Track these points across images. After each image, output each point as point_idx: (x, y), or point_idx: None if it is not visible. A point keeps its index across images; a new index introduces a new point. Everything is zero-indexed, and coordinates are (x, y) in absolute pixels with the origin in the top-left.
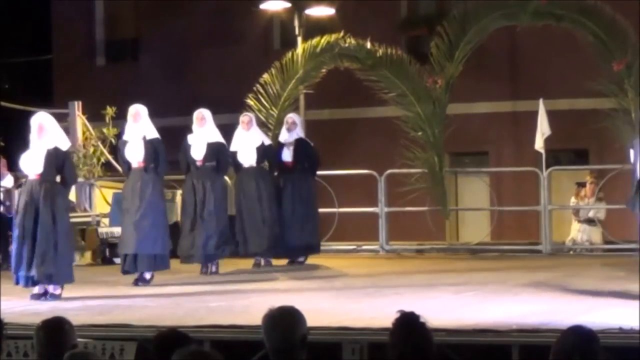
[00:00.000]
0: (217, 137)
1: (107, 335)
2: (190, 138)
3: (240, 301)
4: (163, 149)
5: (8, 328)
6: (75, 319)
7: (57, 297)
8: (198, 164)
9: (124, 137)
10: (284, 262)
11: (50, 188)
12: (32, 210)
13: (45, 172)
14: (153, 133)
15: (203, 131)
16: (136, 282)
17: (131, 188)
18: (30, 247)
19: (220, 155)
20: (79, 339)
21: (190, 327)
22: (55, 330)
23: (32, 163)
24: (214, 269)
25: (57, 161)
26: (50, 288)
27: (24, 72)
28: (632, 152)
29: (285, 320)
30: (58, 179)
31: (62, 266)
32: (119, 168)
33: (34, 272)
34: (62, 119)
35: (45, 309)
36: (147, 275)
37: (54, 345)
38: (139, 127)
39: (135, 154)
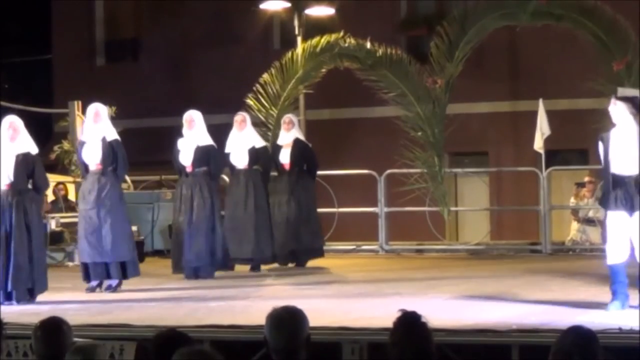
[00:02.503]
0: (207, 140)
1: (107, 335)
2: (180, 142)
3: (240, 301)
4: (123, 151)
5: (8, 328)
6: (75, 319)
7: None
8: (188, 170)
9: (82, 138)
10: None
11: (22, 199)
12: (6, 223)
13: (16, 182)
14: (113, 134)
15: (192, 135)
16: (93, 286)
17: (88, 191)
18: (5, 263)
19: (210, 159)
20: (79, 339)
21: (190, 327)
22: (54, 330)
23: (1, 172)
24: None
25: (28, 167)
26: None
27: (24, 72)
28: (601, 145)
29: (290, 320)
30: (29, 185)
31: (37, 277)
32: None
33: (10, 289)
34: (62, 119)
35: (45, 310)
36: (114, 283)
37: (52, 346)
38: (99, 127)
39: (92, 156)
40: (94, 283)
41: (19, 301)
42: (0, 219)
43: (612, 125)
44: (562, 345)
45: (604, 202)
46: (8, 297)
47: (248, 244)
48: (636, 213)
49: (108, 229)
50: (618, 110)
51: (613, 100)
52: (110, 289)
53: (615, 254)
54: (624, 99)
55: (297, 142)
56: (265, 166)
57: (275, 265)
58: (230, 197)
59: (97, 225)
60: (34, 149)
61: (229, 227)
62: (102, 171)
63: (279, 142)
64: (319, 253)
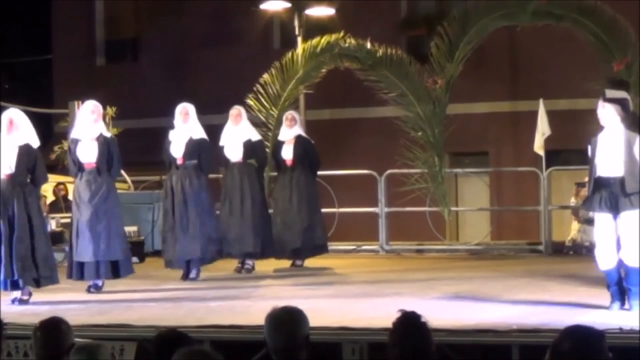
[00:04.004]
0: (199, 133)
1: (107, 335)
2: (171, 134)
3: (241, 301)
4: (117, 150)
5: (8, 328)
6: (75, 319)
7: (25, 302)
8: (178, 162)
9: (75, 136)
10: (286, 263)
11: (22, 189)
12: (6, 214)
13: (17, 173)
14: (107, 132)
15: (186, 127)
16: (89, 289)
17: (83, 190)
18: (8, 252)
19: (201, 152)
20: (79, 339)
21: (190, 327)
22: (53, 330)
23: (2, 163)
24: (193, 274)
25: (29, 160)
26: (18, 293)
27: (24, 72)
28: (589, 149)
29: (289, 320)
30: (28, 178)
31: (44, 269)
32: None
33: (17, 277)
34: (62, 119)
35: (45, 310)
36: (100, 282)
37: (51, 346)
38: (95, 126)
39: (88, 154)
40: (91, 283)
41: (24, 287)
42: (1, 208)
43: (600, 127)
44: (562, 345)
45: (587, 204)
46: (15, 286)
47: (247, 238)
48: (621, 214)
49: (102, 228)
50: (606, 112)
51: (601, 103)
52: (96, 288)
53: (605, 260)
54: (613, 101)
55: (299, 138)
56: (260, 160)
57: (278, 266)
58: (225, 191)
59: (91, 224)
60: (35, 143)
61: (225, 222)
62: (97, 170)
63: (281, 138)
64: (323, 249)
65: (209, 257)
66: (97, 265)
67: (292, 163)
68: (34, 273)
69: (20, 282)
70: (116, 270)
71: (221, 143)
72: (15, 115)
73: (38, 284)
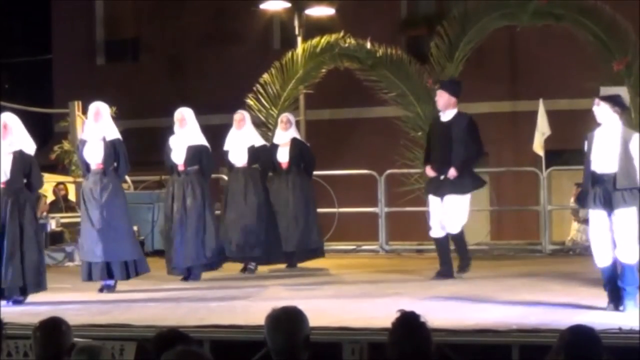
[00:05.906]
0: (199, 138)
1: (107, 335)
2: (171, 141)
3: (241, 301)
4: (124, 150)
5: (8, 328)
6: (75, 319)
7: (19, 303)
8: (180, 168)
9: (83, 137)
10: (282, 266)
11: (17, 197)
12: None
13: (12, 180)
14: (114, 133)
15: (184, 133)
16: (102, 290)
17: (90, 191)
18: None
19: (202, 158)
20: (79, 339)
21: (190, 327)
22: (53, 330)
23: None
24: (194, 277)
25: (24, 166)
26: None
27: (24, 72)
28: (586, 144)
29: (288, 320)
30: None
31: (31, 276)
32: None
33: (3, 286)
34: (62, 119)
35: (45, 310)
36: (112, 283)
37: (51, 346)
38: (100, 126)
39: (94, 155)
40: (110, 282)
41: (9, 298)
42: None
43: (597, 125)
44: (561, 345)
45: (582, 201)
46: (0, 293)
47: (252, 243)
48: (615, 212)
49: (111, 229)
50: (602, 110)
51: (597, 101)
52: (109, 288)
53: (601, 258)
54: (607, 99)
55: (295, 141)
56: (264, 165)
57: (278, 266)
58: (230, 196)
59: (99, 225)
60: (30, 147)
61: (230, 225)
62: (104, 171)
63: (276, 141)
64: (319, 253)
65: (211, 264)
66: (108, 266)
67: (288, 166)
68: (20, 281)
69: (5, 292)
70: (128, 269)
71: (225, 148)
72: (9, 119)
73: (25, 292)
